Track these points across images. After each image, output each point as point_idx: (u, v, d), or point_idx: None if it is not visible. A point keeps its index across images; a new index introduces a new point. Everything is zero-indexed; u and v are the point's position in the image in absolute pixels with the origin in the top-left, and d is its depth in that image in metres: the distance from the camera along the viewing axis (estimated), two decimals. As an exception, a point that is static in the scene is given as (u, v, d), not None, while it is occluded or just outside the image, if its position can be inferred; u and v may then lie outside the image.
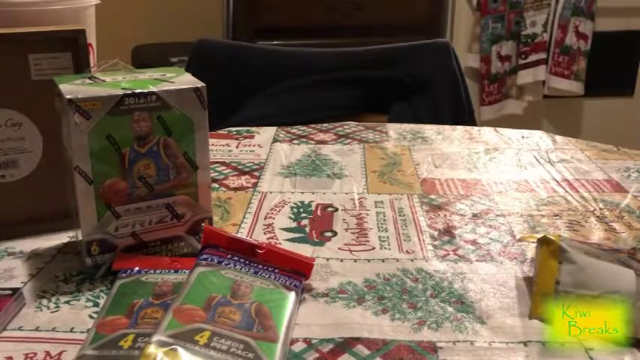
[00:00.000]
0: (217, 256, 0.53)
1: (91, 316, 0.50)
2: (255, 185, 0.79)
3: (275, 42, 2.01)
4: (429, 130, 1.04)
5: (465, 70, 1.49)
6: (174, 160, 0.56)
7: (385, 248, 0.62)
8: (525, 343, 0.47)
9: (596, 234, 0.66)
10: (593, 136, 1.66)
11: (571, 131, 2.48)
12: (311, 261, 0.55)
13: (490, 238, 0.65)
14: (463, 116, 1.27)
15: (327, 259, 0.60)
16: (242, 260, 0.53)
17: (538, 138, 1.01)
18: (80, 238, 0.55)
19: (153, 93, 0.53)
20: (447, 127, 1.06)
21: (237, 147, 0.93)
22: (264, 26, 2.20)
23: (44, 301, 0.52)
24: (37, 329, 0.49)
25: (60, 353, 0.46)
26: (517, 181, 0.82)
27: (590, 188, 0.79)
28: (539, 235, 0.56)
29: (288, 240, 0.64)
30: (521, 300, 0.52)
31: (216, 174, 0.82)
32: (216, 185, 0.78)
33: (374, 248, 0.62)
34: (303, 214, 0.70)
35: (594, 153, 0.93)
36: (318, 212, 0.71)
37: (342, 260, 0.60)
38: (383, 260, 0.60)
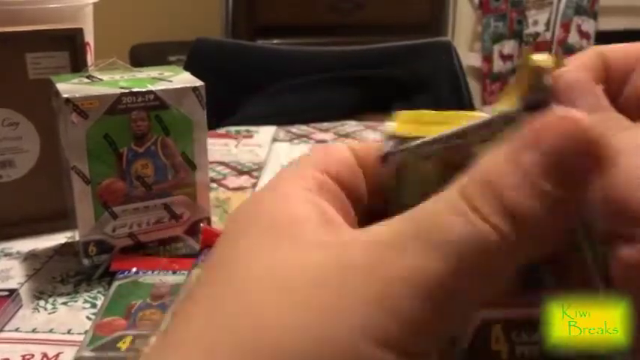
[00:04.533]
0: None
1: (88, 318, 0.50)
2: (254, 185, 0.78)
3: (275, 41, 2.01)
4: (430, 129, 1.04)
5: (467, 70, 1.49)
6: (173, 160, 0.55)
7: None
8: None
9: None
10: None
11: (572, 130, 2.48)
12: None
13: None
14: (464, 115, 1.26)
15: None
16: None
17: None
18: (77, 238, 0.55)
19: (151, 92, 0.53)
20: (447, 126, 1.06)
21: (236, 147, 0.93)
22: (264, 25, 2.20)
23: (41, 302, 0.52)
24: (34, 330, 0.48)
25: (57, 355, 0.45)
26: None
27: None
28: None
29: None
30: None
31: (215, 174, 0.81)
32: (214, 185, 0.77)
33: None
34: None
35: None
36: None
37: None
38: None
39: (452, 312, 0.17)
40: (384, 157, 0.23)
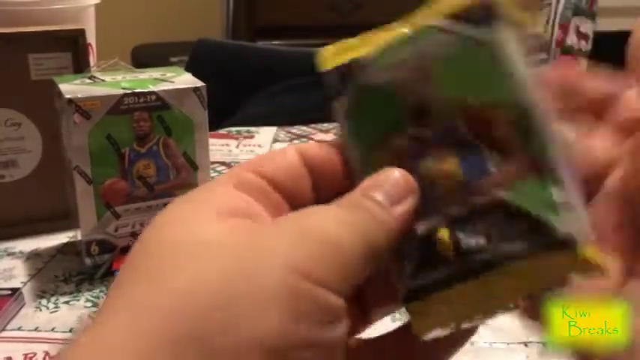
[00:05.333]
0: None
1: (90, 317, 0.50)
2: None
3: (275, 42, 2.01)
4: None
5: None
6: (174, 160, 0.56)
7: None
8: (526, 344, 0.47)
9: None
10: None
11: (572, 131, 2.48)
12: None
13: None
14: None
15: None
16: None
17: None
18: (80, 238, 0.55)
19: (153, 93, 0.53)
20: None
21: (237, 147, 0.93)
22: (264, 26, 2.20)
23: (43, 301, 0.52)
24: (36, 329, 0.48)
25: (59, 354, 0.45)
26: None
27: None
28: None
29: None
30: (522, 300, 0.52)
31: (216, 174, 0.82)
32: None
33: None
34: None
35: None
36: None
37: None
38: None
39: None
40: (330, 89, 0.24)
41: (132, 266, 0.21)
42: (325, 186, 0.25)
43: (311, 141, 0.97)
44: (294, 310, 0.19)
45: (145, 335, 0.18)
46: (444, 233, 0.22)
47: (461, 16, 0.22)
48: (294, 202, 0.24)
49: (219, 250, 0.20)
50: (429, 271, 0.22)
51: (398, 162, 0.23)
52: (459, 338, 0.25)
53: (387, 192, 0.23)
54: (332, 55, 0.25)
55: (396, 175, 0.23)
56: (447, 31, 0.22)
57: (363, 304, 0.25)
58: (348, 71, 0.24)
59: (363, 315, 0.25)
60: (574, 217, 0.21)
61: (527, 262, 0.21)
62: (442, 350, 0.25)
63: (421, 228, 0.23)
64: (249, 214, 0.23)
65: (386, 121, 0.24)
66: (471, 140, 0.22)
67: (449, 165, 0.22)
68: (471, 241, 0.22)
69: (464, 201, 0.22)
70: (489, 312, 0.23)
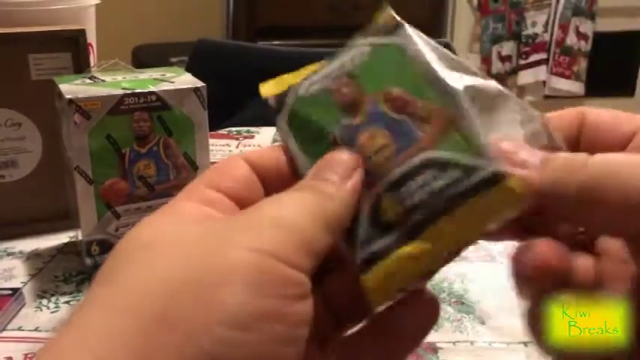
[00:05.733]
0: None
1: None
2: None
3: (275, 42, 2.01)
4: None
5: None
6: (175, 160, 0.56)
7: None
8: (526, 344, 0.47)
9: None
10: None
11: (571, 131, 2.48)
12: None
13: (490, 239, 0.65)
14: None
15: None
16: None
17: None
18: (80, 238, 0.55)
19: (153, 93, 0.53)
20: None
21: (237, 147, 0.93)
22: (264, 26, 2.20)
23: (44, 301, 0.52)
24: (36, 329, 0.49)
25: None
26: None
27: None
28: None
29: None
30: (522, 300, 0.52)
31: (217, 174, 0.82)
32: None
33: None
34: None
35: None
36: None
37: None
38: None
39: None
40: (272, 109, 0.28)
41: (101, 275, 0.22)
42: (275, 188, 0.26)
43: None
44: (258, 283, 0.20)
45: (118, 315, 0.20)
46: (385, 200, 0.25)
47: (370, 32, 0.28)
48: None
49: (182, 243, 0.22)
50: (378, 240, 0.24)
51: (337, 148, 0.26)
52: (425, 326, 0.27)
53: (334, 170, 0.25)
54: (270, 88, 0.29)
55: (339, 154, 0.25)
56: (359, 45, 0.27)
57: (335, 312, 0.26)
58: (283, 94, 0.28)
59: (337, 324, 0.26)
60: (496, 155, 0.23)
61: (466, 206, 0.23)
62: (410, 340, 0.27)
63: (364, 205, 0.25)
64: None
65: (321, 122, 0.27)
66: (396, 117, 0.25)
67: (381, 139, 0.25)
68: (413, 199, 0.24)
69: (399, 167, 0.25)
70: (439, 263, 0.25)
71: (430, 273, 0.25)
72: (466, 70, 0.26)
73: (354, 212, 0.25)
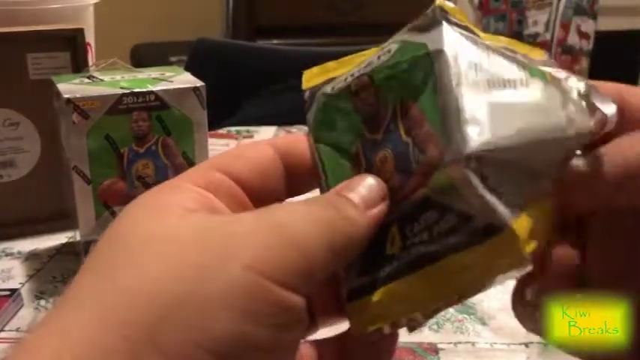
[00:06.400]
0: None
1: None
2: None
3: (275, 41, 2.01)
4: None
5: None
6: (174, 160, 0.56)
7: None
8: (527, 345, 0.47)
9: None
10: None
11: (572, 131, 2.47)
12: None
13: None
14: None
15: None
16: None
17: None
18: (78, 238, 0.55)
19: (152, 92, 0.53)
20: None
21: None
22: (264, 25, 2.20)
23: (42, 302, 0.52)
24: (34, 330, 0.48)
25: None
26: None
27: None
28: None
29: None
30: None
31: (216, 174, 0.81)
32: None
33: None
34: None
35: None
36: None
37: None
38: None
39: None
40: (306, 103, 0.27)
41: (94, 261, 0.21)
42: (300, 182, 0.25)
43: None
44: (249, 311, 0.19)
45: (99, 332, 0.18)
46: (394, 233, 0.23)
47: (412, 25, 0.25)
48: (262, 199, 0.24)
49: (177, 247, 0.20)
50: (374, 271, 0.23)
51: (358, 164, 0.25)
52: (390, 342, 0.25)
53: (361, 195, 0.23)
54: (313, 76, 0.27)
55: (370, 180, 0.23)
56: (396, 40, 0.24)
57: (310, 308, 0.25)
58: (317, 87, 0.26)
59: (311, 319, 0.25)
60: (495, 204, 0.20)
61: (466, 254, 0.21)
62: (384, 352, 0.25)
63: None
64: (212, 211, 0.22)
65: (345, 126, 0.25)
66: (404, 139, 0.23)
67: (389, 164, 0.23)
68: (415, 238, 0.22)
69: (406, 200, 0.23)
70: (430, 308, 0.22)
71: (425, 314, 0.23)
72: (517, 82, 0.22)
73: (367, 244, 0.22)
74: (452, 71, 0.22)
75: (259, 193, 0.24)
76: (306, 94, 0.27)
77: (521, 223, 0.20)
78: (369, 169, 0.24)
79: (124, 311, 0.19)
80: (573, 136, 0.21)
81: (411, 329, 0.23)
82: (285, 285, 0.19)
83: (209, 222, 0.21)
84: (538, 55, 0.24)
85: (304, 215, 0.21)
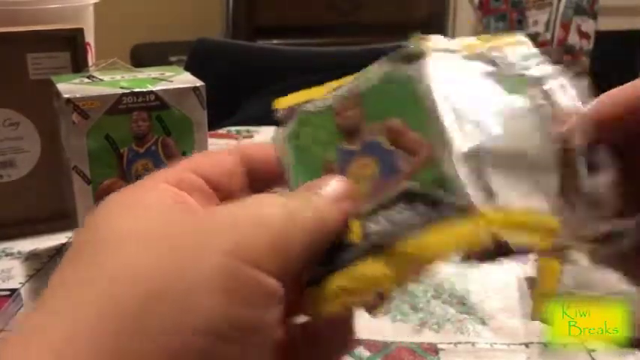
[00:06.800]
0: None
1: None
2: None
3: (275, 41, 2.01)
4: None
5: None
6: (173, 160, 0.55)
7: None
8: (527, 345, 0.47)
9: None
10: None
11: (572, 130, 2.47)
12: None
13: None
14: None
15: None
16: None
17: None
18: (78, 238, 0.55)
19: (151, 92, 0.53)
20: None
21: (237, 147, 0.93)
22: (264, 25, 2.20)
23: (42, 302, 0.52)
24: (34, 330, 0.48)
25: None
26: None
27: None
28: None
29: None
30: (523, 301, 0.52)
31: (216, 174, 0.81)
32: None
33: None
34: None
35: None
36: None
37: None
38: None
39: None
40: (280, 123, 0.28)
41: (73, 255, 0.22)
42: (262, 186, 0.26)
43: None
44: (230, 292, 0.19)
45: (84, 326, 0.19)
46: (354, 225, 0.24)
47: (393, 57, 0.27)
48: (230, 199, 0.25)
49: (156, 240, 0.21)
50: (332, 260, 0.24)
51: (330, 172, 0.26)
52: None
53: (328, 191, 0.24)
54: (287, 100, 0.29)
55: (337, 178, 0.25)
56: (377, 69, 0.27)
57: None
58: (294, 106, 0.28)
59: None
60: (461, 189, 0.22)
61: (423, 233, 0.22)
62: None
63: None
64: (187, 208, 0.23)
65: (322, 139, 0.27)
66: (389, 149, 0.25)
67: (369, 169, 0.25)
68: (377, 226, 0.24)
69: (377, 197, 0.24)
70: (384, 286, 0.24)
71: (380, 295, 0.24)
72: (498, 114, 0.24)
73: (332, 238, 0.24)
74: (434, 90, 0.24)
75: (227, 193, 0.25)
76: (281, 113, 0.29)
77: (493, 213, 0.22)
78: (341, 173, 0.26)
79: (109, 306, 0.19)
80: (553, 136, 0.24)
81: (370, 311, 0.24)
82: (262, 268, 0.20)
83: (187, 216, 0.22)
84: (522, 47, 0.27)
85: (274, 203, 0.22)
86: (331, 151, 0.26)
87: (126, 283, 0.19)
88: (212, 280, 0.19)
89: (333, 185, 0.24)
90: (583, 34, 2.47)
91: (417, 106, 0.24)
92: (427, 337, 0.48)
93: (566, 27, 2.48)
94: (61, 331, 0.19)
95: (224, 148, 0.26)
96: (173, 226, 0.21)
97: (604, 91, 0.25)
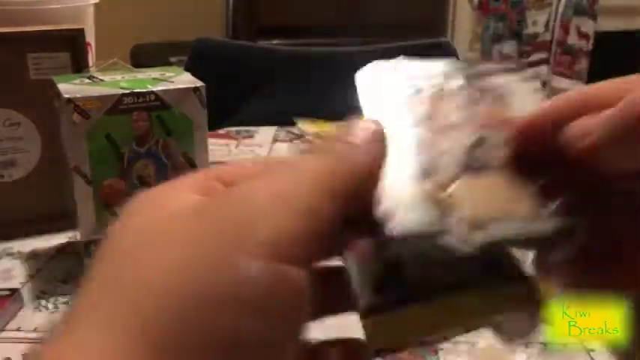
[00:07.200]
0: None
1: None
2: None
3: (275, 41, 2.01)
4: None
5: (466, 70, 1.49)
6: (174, 160, 0.56)
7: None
8: (527, 345, 0.47)
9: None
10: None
11: (572, 131, 2.47)
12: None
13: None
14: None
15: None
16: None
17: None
18: (79, 238, 0.55)
19: (152, 92, 0.53)
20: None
21: (236, 147, 0.93)
22: (265, 26, 2.20)
23: (43, 302, 0.52)
24: (35, 330, 0.48)
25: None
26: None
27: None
28: None
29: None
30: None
31: (216, 174, 0.81)
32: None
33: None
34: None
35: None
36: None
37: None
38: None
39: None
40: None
41: (105, 260, 0.21)
42: None
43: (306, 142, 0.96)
44: (262, 307, 0.19)
45: (122, 335, 0.18)
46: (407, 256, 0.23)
47: None
48: None
49: (182, 246, 0.20)
50: (391, 289, 0.23)
51: None
52: None
53: (355, 133, 0.22)
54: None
55: (365, 120, 0.23)
56: None
57: None
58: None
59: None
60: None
61: (482, 290, 0.22)
62: None
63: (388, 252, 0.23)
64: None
65: None
66: None
67: None
68: (435, 268, 0.23)
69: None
70: (441, 334, 0.24)
71: (436, 338, 0.25)
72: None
73: (372, 186, 0.21)
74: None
75: None
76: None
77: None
78: None
79: (139, 310, 0.18)
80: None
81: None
82: (294, 262, 0.19)
83: (212, 219, 0.21)
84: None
85: (291, 170, 0.21)
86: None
87: (158, 297, 0.19)
88: (242, 293, 0.18)
89: (361, 129, 0.22)
90: (583, 35, 2.47)
91: None
92: (427, 336, 0.48)
93: (565, 27, 2.48)
94: (96, 351, 0.18)
95: (248, 159, 0.26)
96: (199, 233, 0.20)
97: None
